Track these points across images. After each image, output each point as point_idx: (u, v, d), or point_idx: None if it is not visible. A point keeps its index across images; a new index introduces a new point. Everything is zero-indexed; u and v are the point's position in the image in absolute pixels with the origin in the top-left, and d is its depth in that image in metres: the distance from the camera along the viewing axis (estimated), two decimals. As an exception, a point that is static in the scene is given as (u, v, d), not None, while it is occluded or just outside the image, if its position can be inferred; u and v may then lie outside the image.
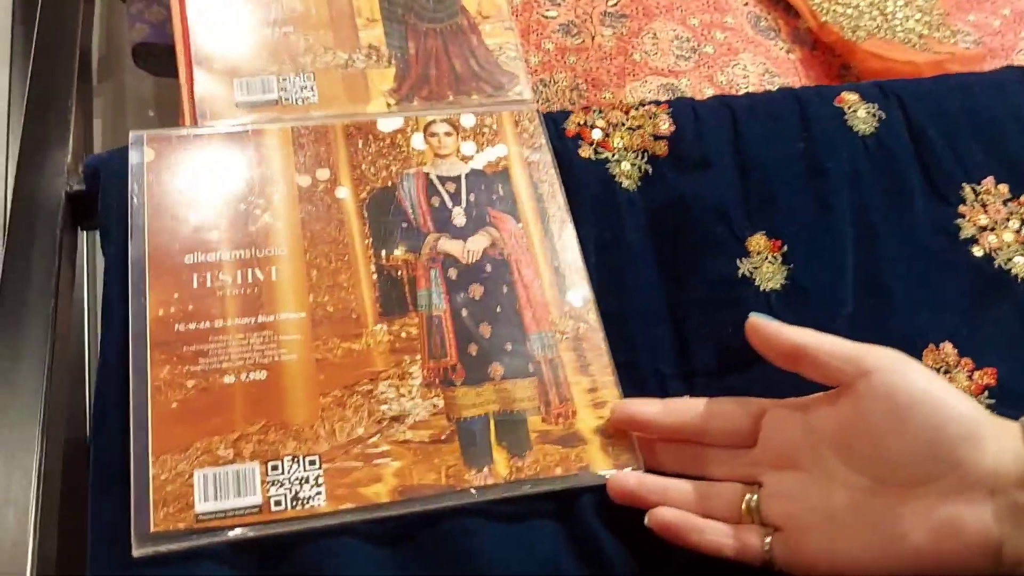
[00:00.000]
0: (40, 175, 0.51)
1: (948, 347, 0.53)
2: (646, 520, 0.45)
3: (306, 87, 0.61)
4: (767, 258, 0.54)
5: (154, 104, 0.82)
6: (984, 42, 0.75)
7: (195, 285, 0.48)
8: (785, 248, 0.54)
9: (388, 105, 0.60)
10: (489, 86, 0.64)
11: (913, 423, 0.40)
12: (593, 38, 0.70)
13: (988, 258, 0.56)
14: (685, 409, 0.47)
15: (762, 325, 0.45)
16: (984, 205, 0.58)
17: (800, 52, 0.74)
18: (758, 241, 0.54)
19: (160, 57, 0.73)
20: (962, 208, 0.58)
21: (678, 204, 0.55)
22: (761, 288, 0.53)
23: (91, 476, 0.44)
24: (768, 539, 0.43)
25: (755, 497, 0.45)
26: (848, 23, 0.72)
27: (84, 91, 0.60)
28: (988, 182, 0.58)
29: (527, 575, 0.44)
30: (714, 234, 0.54)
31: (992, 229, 0.57)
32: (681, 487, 0.46)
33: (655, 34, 0.70)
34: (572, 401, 0.49)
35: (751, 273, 0.53)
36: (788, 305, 0.52)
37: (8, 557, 0.40)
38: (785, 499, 0.44)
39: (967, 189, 0.58)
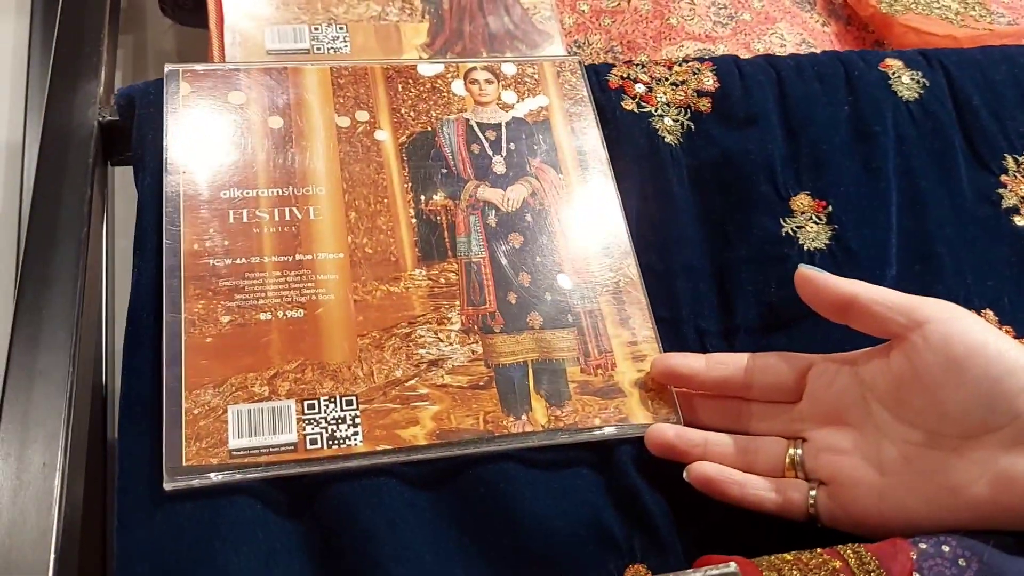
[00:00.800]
0: (72, 104, 0.50)
1: (990, 314, 0.52)
2: (685, 475, 0.44)
3: (338, 37, 0.60)
4: (811, 218, 0.53)
5: (176, 58, 0.81)
6: (1018, 24, 0.75)
7: (231, 220, 0.47)
8: (830, 209, 0.53)
9: (421, 59, 0.59)
10: (523, 45, 0.63)
11: (970, 374, 0.39)
12: (629, 1, 0.69)
13: (1030, 228, 0.55)
14: (728, 363, 0.46)
15: (812, 276, 0.44)
16: (1026, 176, 0.57)
17: (835, 26, 0.73)
18: (802, 201, 0.54)
19: (187, 6, 0.71)
20: (1004, 178, 0.57)
21: (722, 160, 0.54)
22: (805, 247, 0.52)
23: (121, 410, 0.43)
24: (812, 493, 0.43)
25: (799, 451, 0.44)
26: (885, -3, 0.71)
27: (112, 32, 0.59)
28: (1031, 153, 0.58)
29: (565, 522, 0.43)
30: (759, 192, 0.53)
31: (1034, 200, 0.56)
32: (721, 440, 0.45)
33: (692, -1, 0.69)
34: (612, 353, 0.48)
35: (795, 232, 0.53)
36: (833, 265, 0.52)
37: (37, 488, 0.39)
38: (832, 453, 0.43)
39: (1009, 160, 0.58)
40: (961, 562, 0.36)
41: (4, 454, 0.39)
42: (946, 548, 0.36)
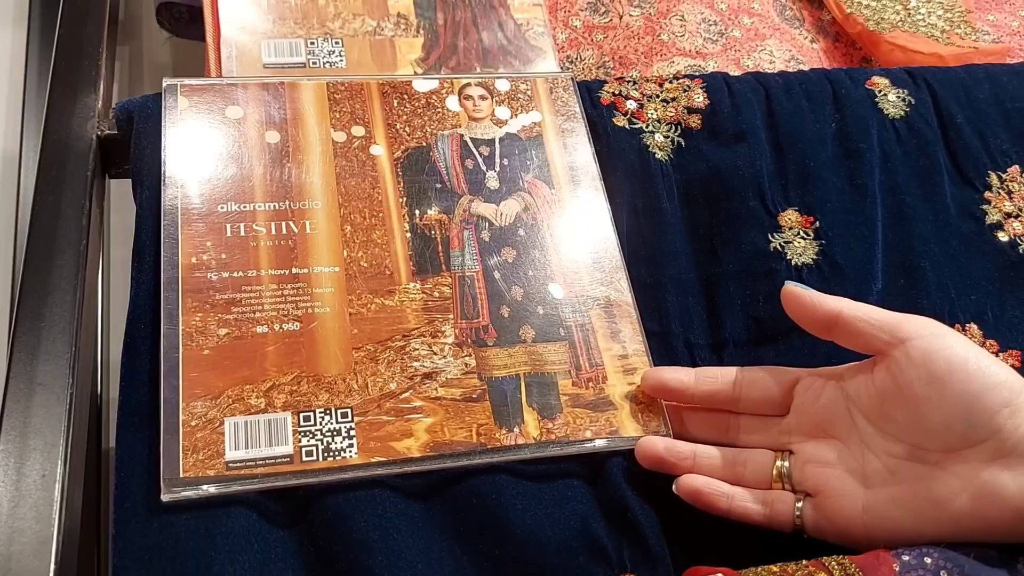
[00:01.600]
0: (71, 117, 0.50)
1: (974, 328, 0.53)
2: (674, 487, 0.45)
3: (334, 52, 0.61)
4: (799, 233, 0.54)
5: (172, 70, 0.81)
6: (1003, 41, 0.76)
7: (228, 234, 0.48)
8: (817, 224, 0.55)
9: (416, 74, 0.60)
10: (517, 60, 0.64)
11: (952, 390, 0.40)
12: (621, 17, 0.70)
13: (1013, 244, 0.57)
14: (717, 377, 0.47)
15: (799, 293, 0.45)
16: (1009, 193, 0.58)
17: (823, 42, 0.74)
18: (790, 216, 0.55)
19: (184, 18, 0.72)
20: (988, 194, 0.58)
21: (712, 176, 0.55)
22: (793, 262, 0.53)
23: (118, 420, 0.44)
24: (799, 505, 0.43)
25: (786, 463, 0.45)
26: (872, 15, 0.73)
27: (111, 45, 0.59)
28: (1014, 170, 0.59)
29: (555, 533, 0.44)
30: (747, 207, 0.54)
31: (1017, 216, 0.58)
32: (710, 453, 0.46)
33: (683, 16, 0.71)
34: (603, 367, 0.49)
35: (783, 247, 0.54)
36: (820, 280, 0.53)
37: (36, 499, 0.39)
38: (818, 466, 0.44)
39: (993, 176, 0.59)
40: (943, 574, 0.37)
41: (4, 464, 0.40)
42: (928, 560, 0.37)
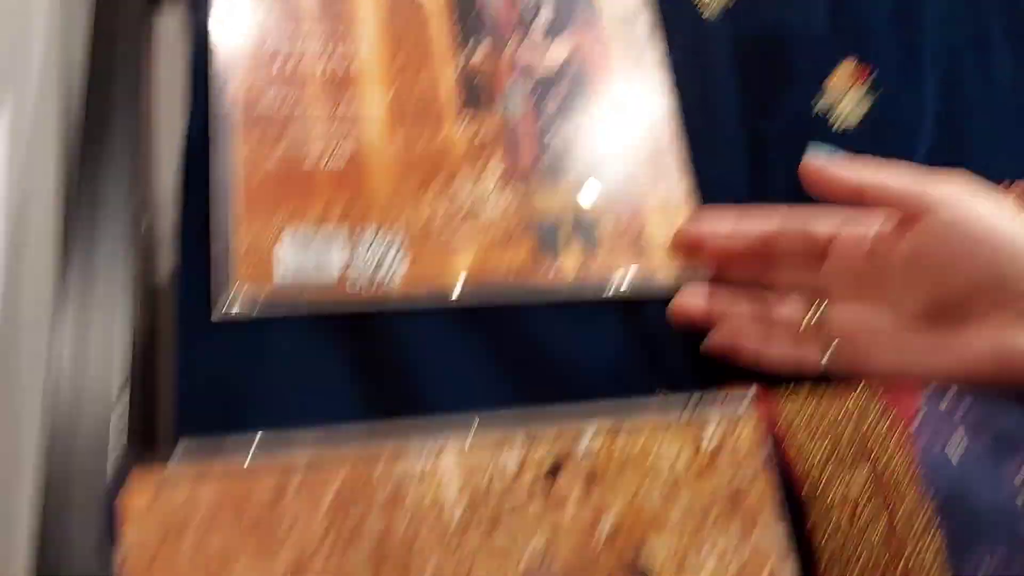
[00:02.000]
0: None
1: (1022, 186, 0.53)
2: (703, 346, 0.46)
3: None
4: (847, 92, 0.54)
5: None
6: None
7: (279, 68, 0.48)
8: (868, 83, 0.54)
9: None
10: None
11: (977, 258, 0.40)
12: None
13: (1064, 113, 0.56)
14: (757, 222, 0.47)
15: (818, 170, 0.44)
16: (1066, 63, 0.57)
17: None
18: (841, 74, 0.54)
19: None
20: (1043, 63, 0.57)
21: (763, 34, 0.54)
22: (840, 122, 0.53)
23: (174, 248, 0.46)
24: (829, 353, 0.44)
25: (819, 312, 0.45)
26: None
27: None
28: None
29: (591, 369, 0.45)
30: (798, 67, 0.54)
31: (1071, 86, 0.56)
32: (744, 301, 0.47)
33: None
34: (644, 212, 0.49)
35: (830, 107, 0.53)
36: (870, 137, 0.52)
37: (103, 320, 0.42)
38: (850, 316, 0.44)
39: (1050, 47, 0.57)
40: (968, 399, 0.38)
41: (71, 293, 0.42)
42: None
